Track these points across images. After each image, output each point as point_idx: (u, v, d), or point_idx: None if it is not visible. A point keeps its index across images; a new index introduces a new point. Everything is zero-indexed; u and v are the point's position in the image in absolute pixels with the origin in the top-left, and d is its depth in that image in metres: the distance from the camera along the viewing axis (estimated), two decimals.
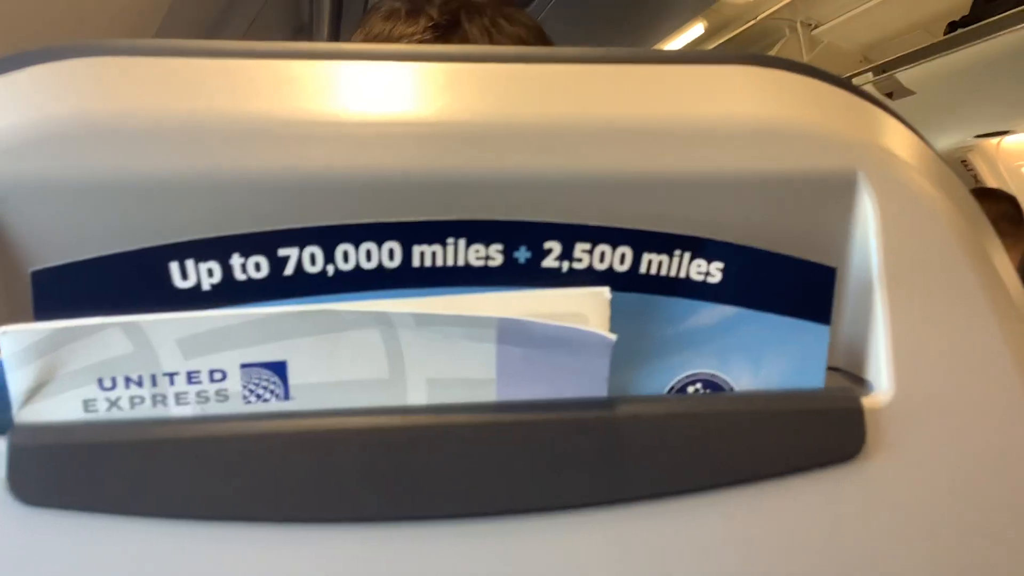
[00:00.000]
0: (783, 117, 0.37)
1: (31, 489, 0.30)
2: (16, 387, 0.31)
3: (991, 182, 3.37)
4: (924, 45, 2.75)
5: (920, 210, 0.37)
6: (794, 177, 0.36)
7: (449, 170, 0.34)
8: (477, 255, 0.34)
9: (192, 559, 0.31)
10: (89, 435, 0.30)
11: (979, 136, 3.33)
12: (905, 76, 2.86)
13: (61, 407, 0.31)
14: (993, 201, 2.13)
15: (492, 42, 0.67)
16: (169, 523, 0.31)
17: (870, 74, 2.93)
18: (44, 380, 0.31)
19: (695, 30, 3.53)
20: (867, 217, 0.37)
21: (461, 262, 0.34)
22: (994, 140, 3.34)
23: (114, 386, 0.31)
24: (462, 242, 0.34)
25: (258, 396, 0.32)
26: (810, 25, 3.19)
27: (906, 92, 2.88)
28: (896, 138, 0.38)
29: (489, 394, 0.34)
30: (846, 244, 0.38)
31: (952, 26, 2.82)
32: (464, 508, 0.33)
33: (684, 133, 0.36)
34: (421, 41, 0.67)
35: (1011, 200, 2.20)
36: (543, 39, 0.72)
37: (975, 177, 3.45)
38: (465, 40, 0.67)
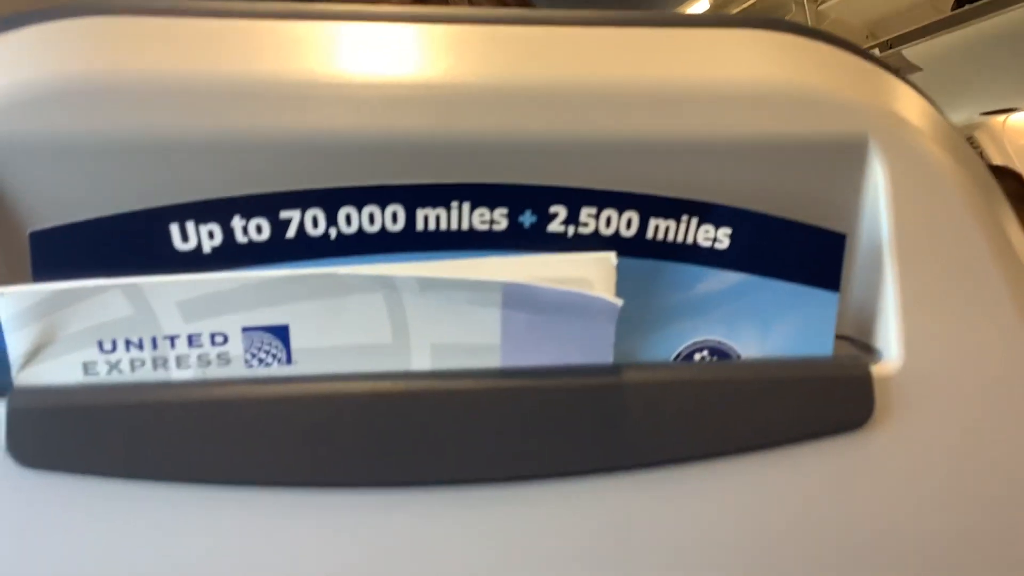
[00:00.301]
0: (793, 81, 0.36)
1: (31, 452, 0.30)
2: (15, 349, 0.30)
3: (997, 160, 3.35)
4: (931, 21, 2.72)
5: (932, 176, 0.36)
6: (804, 141, 0.36)
7: (453, 133, 0.33)
8: (482, 219, 0.33)
9: (192, 523, 0.31)
10: (89, 398, 0.30)
11: (985, 113, 3.31)
12: (911, 52, 2.84)
13: (61, 370, 0.31)
14: (999, 178, 2.11)
15: (472, 4, 0.66)
16: (169, 487, 0.31)
17: (876, 50, 2.91)
18: (43, 342, 0.30)
19: (700, 5, 3.51)
20: (878, 183, 0.36)
21: (465, 226, 0.33)
22: (1000, 118, 3.32)
23: (114, 349, 0.31)
24: (466, 206, 0.33)
25: (260, 360, 0.32)
26: (816, 0, 3.16)
27: (912, 68, 2.86)
28: (908, 104, 0.38)
29: (494, 360, 0.33)
30: (856, 210, 0.37)
31: (959, 2, 2.80)
32: (468, 474, 0.33)
33: (693, 96, 0.35)
34: (402, 3, 0.65)
35: (1017, 177, 2.18)
36: (526, 3, 0.71)
37: (981, 155, 3.43)
38: (445, 3, 0.66)
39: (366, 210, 0.32)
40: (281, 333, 0.32)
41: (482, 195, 0.33)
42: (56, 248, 0.31)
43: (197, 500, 0.31)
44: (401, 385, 0.32)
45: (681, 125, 0.35)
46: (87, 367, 0.31)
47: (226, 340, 0.31)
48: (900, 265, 0.36)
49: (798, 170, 0.36)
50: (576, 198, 0.34)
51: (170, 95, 0.32)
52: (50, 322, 0.30)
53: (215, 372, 0.32)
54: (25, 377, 0.31)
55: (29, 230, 0.31)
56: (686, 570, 0.35)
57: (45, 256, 0.31)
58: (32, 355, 0.30)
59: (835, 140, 0.36)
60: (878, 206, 0.36)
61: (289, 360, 0.32)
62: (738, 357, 0.36)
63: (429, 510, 0.33)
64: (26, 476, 0.30)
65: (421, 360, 0.33)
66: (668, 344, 0.36)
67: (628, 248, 0.34)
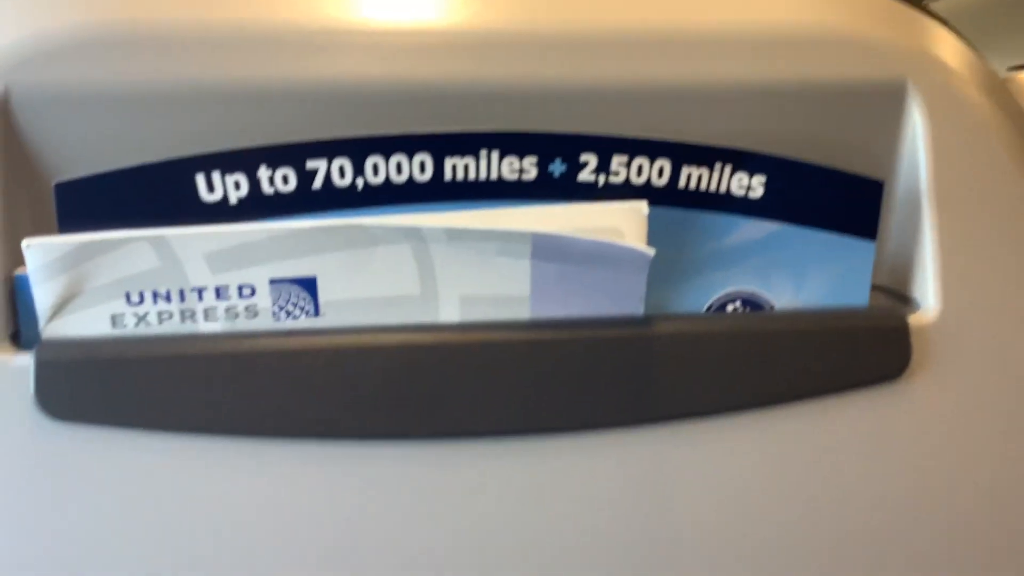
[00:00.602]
0: (829, 24, 0.35)
1: (59, 404, 0.30)
2: (42, 302, 0.30)
3: None
4: None
5: (971, 121, 0.35)
6: (840, 86, 0.35)
7: (482, 80, 0.33)
8: (511, 168, 0.33)
9: (219, 474, 0.31)
10: (118, 350, 0.30)
11: (1013, 68, 3.25)
12: (938, 6, 2.78)
13: (88, 322, 0.31)
14: None
15: None
16: (197, 439, 0.31)
17: None
18: (70, 295, 0.30)
19: None
20: (915, 129, 0.35)
21: (494, 175, 0.33)
22: None
23: (142, 301, 0.31)
24: (495, 154, 0.32)
25: (288, 312, 0.31)
26: None
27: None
28: (946, 47, 0.37)
29: (523, 311, 0.33)
30: (893, 157, 0.36)
31: None
32: (497, 427, 0.33)
33: (726, 40, 0.34)
34: None
35: None
36: None
37: None
38: None
39: (393, 159, 0.32)
40: (309, 285, 0.31)
41: (511, 143, 0.32)
42: (82, 199, 0.30)
43: (225, 452, 0.31)
44: (429, 337, 0.32)
45: (714, 70, 0.34)
46: (115, 319, 0.31)
47: (253, 292, 0.31)
48: (938, 212, 0.35)
49: (834, 116, 0.35)
50: (607, 146, 0.33)
51: (194, 43, 0.31)
52: (77, 274, 0.30)
53: (243, 324, 0.31)
54: (53, 329, 0.30)
55: (54, 182, 0.30)
56: (719, 523, 0.34)
57: (71, 207, 0.30)
58: (59, 307, 0.30)
59: (872, 84, 0.35)
60: (916, 152, 0.35)
61: (317, 312, 0.32)
62: (772, 308, 0.35)
63: (457, 462, 0.33)
64: (55, 428, 0.30)
65: (449, 312, 0.33)
66: (700, 295, 0.35)
67: (660, 197, 0.33)
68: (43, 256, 0.29)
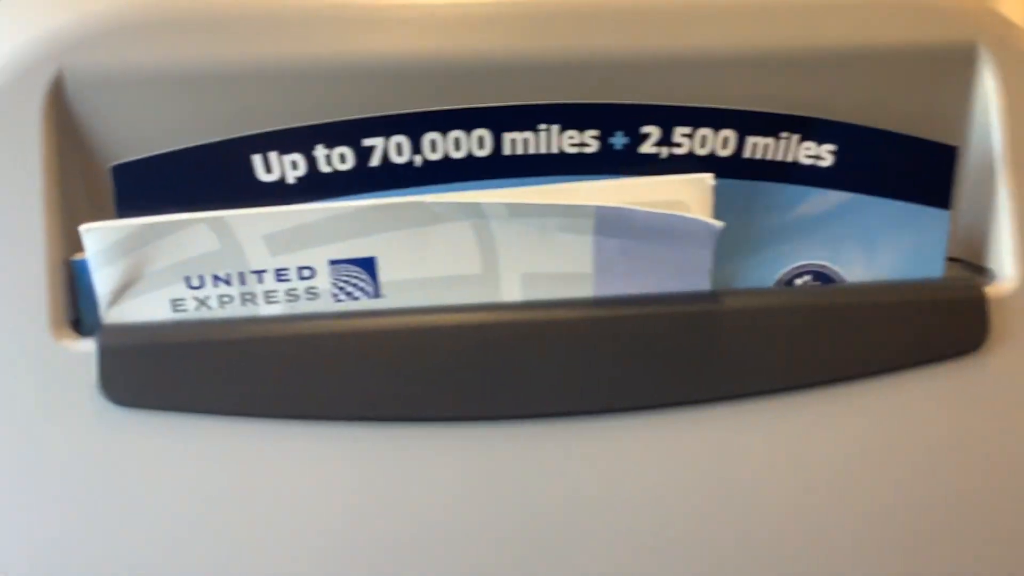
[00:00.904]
0: None
1: (123, 390, 0.29)
2: (102, 287, 0.30)
3: None
4: None
5: None
6: (909, 50, 0.34)
7: (540, 51, 0.32)
8: (571, 142, 0.32)
9: (283, 459, 0.31)
10: (180, 335, 0.30)
11: None
12: None
13: (149, 307, 0.30)
14: None
15: None
16: (260, 423, 0.30)
17: None
18: (130, 279, 0.30)
19: None
20: (988, 93, 0.34)
21: (555, 149, 0.32)
22: None
23: (202, 284, 0.30)
24: (555, 128, 0.32)
25: (348, 294, 0.31)
26: None
27: None
28: (1017, 8, 0.35)
29: (586, 289, 0.32)
30: (964, 123, 0.35)
31: None
32: (561, 407, 0.32)
33: (792, 6, 0.33)
34: None
35: None
36: None
37: None
38: None
39: (451, 135, 0.31)
40: (368, 265, 0.31)
41: (571, 116, 0.32)
42: (139, 182, 0.30)
43: (288, 436, 0.30)
44: (492, 317, 0.31)
45: (780, 36, 0.33)
46: (175, 304, 0.30)
47: (313, 273, 0.30)
48: (1014, 179, 0.34)
49: (902, 81, 0.34)
50: (670, 117, 0.32)
51: (249, 22, 0.31)
52: (136, 258, 0.29)
53: (303, 307, 0.31)
54: (113, 315, 0.30)
55: (111, 164, 0.30)
56: (792, 502, 0.33)
57: (128, 190, 0.30)
58: (119, 292, 0.30)
59: (942, 48, 0.34)
60: (988, 117, 0.34)
61: (377, 293, 0.31)
62: (843, 281, 0.34)
63: (522, 443, 0.32)
64: (118, 415, 0.29)
65: (511, 291, 0.32)
66: (768, 269, 0.34)
67: (725, 169, 0.32)
68: (102, 241, 0.29)
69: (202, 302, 0.30)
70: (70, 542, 0.31)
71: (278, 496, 0.31)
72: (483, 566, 0.32)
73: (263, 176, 0.31)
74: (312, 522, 0.31)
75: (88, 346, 0.30)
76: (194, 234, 0.30)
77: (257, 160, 0.31)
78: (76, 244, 0.30)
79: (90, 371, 0.29)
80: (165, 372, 0.29)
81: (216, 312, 0.30)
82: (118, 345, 0.29)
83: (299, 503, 0.31)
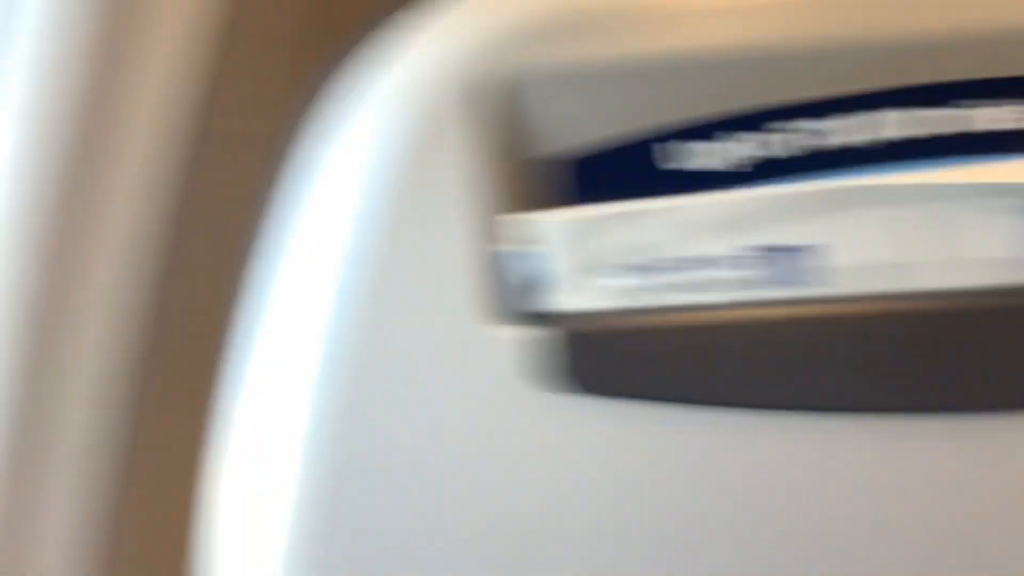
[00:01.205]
0: None
1: (593, 378, 0.30)
2: (556, 274, 0.30)
3: None
4: None
5: None
6: None
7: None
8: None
9: (753, 451, 0.30)
10: (643, 322, 0.30)
11: None
12: None
13: (600, 295, 0.30)
14: None
15: None
16: (728, 413, 0.30)
17: None
18: (582, 267, 0.30)
19: None
20: None
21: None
22: None
23: (654, 272, 0.30)
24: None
25: (801, 280, 0.30)
26: None
27: None
28: None
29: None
30: None
31: None
32: None
33: None
34: None
35: None
36: None
37: None
38: None
39: (917, 113, 0.29)
40: (820, 252, 0.30)
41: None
42: (589, 173, 0.31)
43: (757, 427, 0.30)
44: (955, 304, 0.29)
45: None
46: (624, 292, 0.30)
47: (766, 259, 0.30)
48: None
49: None
50: None
51: (688, 13, 0.31)
52: (589, 246, 0.30)
53: (756, 294, 0.30)
54: (564, 302, 0.30)
55: (573, 156, 0.30)
56: None
57: (584, 182, 0.30)
58: (572, 280, 0.30)
59: None
60: None
61: (826, 280, 0.30)
62: None
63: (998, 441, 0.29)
64: (587, 403, 0.30)
65: (963, 276, 0.30)
66: None
67: None
68: (559, 229, 0.30)
69: (654, 290, 0.30)
70: (557, 531, 0.31)
71: (745, 488, 0.30)
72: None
73: (701, 163, 0.30)
74: (784, 518, 0.30)
75: (520, 334, 0.30)
76: (645, 222, 0.30)
77: (698, 147, 0.30)
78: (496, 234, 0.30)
79: (519, 359, 0.30)
80: (631, 360, 0.29)
81: (669, 300, 0.30)
82: (587, 331, 0.29)
83: (769, 497, 0.30)
